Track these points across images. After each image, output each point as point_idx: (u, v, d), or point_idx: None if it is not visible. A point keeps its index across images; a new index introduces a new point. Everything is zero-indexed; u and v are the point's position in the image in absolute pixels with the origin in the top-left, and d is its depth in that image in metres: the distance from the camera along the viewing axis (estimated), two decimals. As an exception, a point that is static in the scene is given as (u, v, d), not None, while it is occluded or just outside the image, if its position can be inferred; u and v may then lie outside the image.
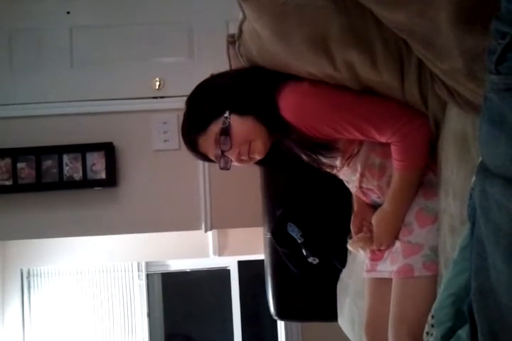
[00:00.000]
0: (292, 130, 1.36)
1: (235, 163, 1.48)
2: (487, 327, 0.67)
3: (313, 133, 1.35)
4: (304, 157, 1.45)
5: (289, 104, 1.35)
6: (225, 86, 1.45)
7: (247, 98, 1.40)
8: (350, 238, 1.60)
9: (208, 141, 1.42)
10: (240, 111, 1.39)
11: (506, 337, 0.64)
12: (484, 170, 0.65)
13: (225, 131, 1.39)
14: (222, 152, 1.41)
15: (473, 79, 0.95)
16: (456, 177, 1.19)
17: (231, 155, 1.43)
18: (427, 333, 1.06)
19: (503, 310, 0.63)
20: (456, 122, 1.19)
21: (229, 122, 1.38)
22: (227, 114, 1.38)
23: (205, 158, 1.49)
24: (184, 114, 1.49)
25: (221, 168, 1.47)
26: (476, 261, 0.70)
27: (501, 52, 0.59)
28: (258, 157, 1.45)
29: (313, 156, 1.43)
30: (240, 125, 1.39)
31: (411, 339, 1.32)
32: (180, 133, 1.51)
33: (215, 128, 1.39)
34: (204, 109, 1.43)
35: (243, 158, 1.43)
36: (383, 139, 1.35)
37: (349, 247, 1.59)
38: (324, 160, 1.43)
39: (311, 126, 1.34)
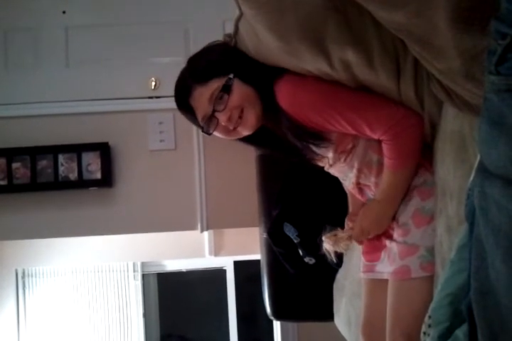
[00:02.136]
0: (285, 116, 1.36)
1: (218, 134, 1.44)
2: (487, 327, 0.67)
3: (306, 122, 1.35)
4: (297, 144, 1.44)
5: (285, 91, 1.35)
6: (236, 53, 1.44)
7: (253, 71, 1.40)
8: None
9: (203, 95, 1.38)
10: (244, 79, 1.38)
11: (506, 337, 0.64)
12: (483, 171, 0.65)
13: (226, 88, 1.36)
14: (214, 111, 1.38)
15: (471, 79, 0.95)
16: (452, 177, 1.19)
17: (221, 118, 1.38)
18: (424, 333, 1.06)
19: (503, 310, 0.62)
20: (452, 122, 1.19)
21: (232, 83, 1.37)
22: (231, 76, 1.37)
23: (190, 114, 1.44)
24: (187, 62, 1.45)
25: (203, 131, 1.43)
26: (476, 261, 0.70)
27: (502, 53, 0.59)
28: (244, 131, 1.42)
29: (304, 145, 1.42)
30: (240, 89, 1.38)
31: (406, 339, 1.32)
32: (177, 80, 1.46)
33: (216, 84, 1.37)
34: (210, 62, 1.42)
35: (230, 126, 1.40)
36: (375, 136, 1.35)
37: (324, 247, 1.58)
38: (315, 150, 1.43)
39: (304, 114, 1.34)
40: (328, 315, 2.23)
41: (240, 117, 1.39)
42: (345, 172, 1.50)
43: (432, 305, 1.03)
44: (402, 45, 1.17)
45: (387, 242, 1.45)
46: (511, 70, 0.58)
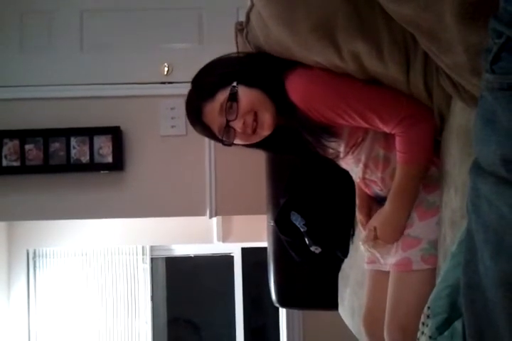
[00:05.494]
0: (297, 112, 1.36)
1: (239, 142, 1.44)
2: (473, 321, 0.67)
3: (318, 117, 1.35)
4: (309, 139, 1.44)
5: (297, 86, 1.35)
6: (235, 60, 1.46)
7: (256, 73, 1.40)
8: (353, 233, 1.59)
9: (213, 110, 1.39)
10: (248, 83, 1.38)
11: (491, 333, 0.64)
12: (477, 167, 0.66)
13: (233, 97, 1.36)
14: (228, 121, 1.38)
15: (476, 74, 0.95)
16: (458, 171, 1.19)
17: (236, 126, 1.38)
18: (423, 323, 1.06)
19: (490, 305, 0.63)
20: (460, 116, 1.19)
21: (237, 90, 1.37)
22: (235, 84, 1.37)
23: (207, 131, 1.45)
24: (191, 84, 1.46)
25: (224, 143, 1.43)
26: (467, 256, 0.70)
27: (497, 52, 0.59)
28: (264, 132, 1.41)
29: (317, 140, 1.42)
30: (247, 94, 1.38)
31: (401, 332, 1.33)
32: (185, 102, 1.47)
33: (222, 96, 1.37)
34: (212, 78, 1.42)
35: (248, 130, 1.40)
36: (387, 129, 1.35)
37: (362, 249, 1.58)
38: (327, 144, 1.43)
39: (315, 109, 1.34)
40: (332, 304, 2.24)
41: (255, 120, 1.39)
42: (351, 166, 1.50)
43: (431, 296, 1.03)
44: (412, 38, 1.16)
45: (391, 234, 1.45)
46: (505, 69, 0.58)
